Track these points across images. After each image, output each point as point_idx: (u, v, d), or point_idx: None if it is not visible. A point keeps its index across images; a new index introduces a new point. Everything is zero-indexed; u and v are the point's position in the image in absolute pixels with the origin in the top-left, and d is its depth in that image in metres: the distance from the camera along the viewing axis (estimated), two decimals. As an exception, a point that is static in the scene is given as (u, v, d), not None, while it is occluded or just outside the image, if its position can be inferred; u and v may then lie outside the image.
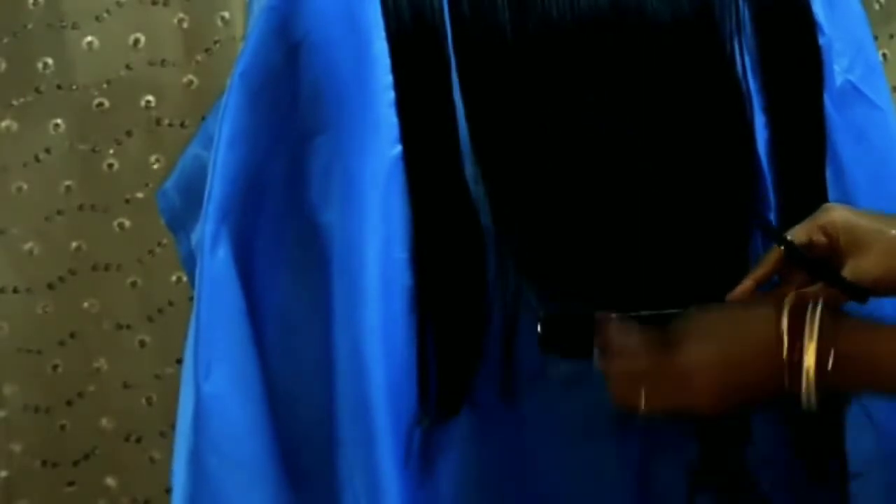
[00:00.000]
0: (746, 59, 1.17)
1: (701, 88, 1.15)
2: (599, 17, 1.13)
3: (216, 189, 1.17)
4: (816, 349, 1.01)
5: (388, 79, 1.13)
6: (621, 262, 1.15)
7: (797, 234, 1.11)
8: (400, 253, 1.14)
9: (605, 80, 1.14)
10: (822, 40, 1.20)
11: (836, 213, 1.11)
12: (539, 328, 1.09)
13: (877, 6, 2.11)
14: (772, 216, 1.19)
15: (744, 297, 1.13)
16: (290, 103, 1.16)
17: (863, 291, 1.11)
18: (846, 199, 1.21)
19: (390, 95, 1.13)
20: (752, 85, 1.17)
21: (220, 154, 1.17)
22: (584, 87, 1.14)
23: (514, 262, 1.14)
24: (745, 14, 1.17)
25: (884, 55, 2.11)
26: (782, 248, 1.11)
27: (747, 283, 1.13)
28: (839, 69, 1.22)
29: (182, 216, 1.39)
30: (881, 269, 1.10)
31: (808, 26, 1.20)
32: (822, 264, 1.11)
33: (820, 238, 1.11)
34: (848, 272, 1.10)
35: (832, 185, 1.21)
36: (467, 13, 1.13)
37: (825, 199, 1.20)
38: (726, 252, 1.18)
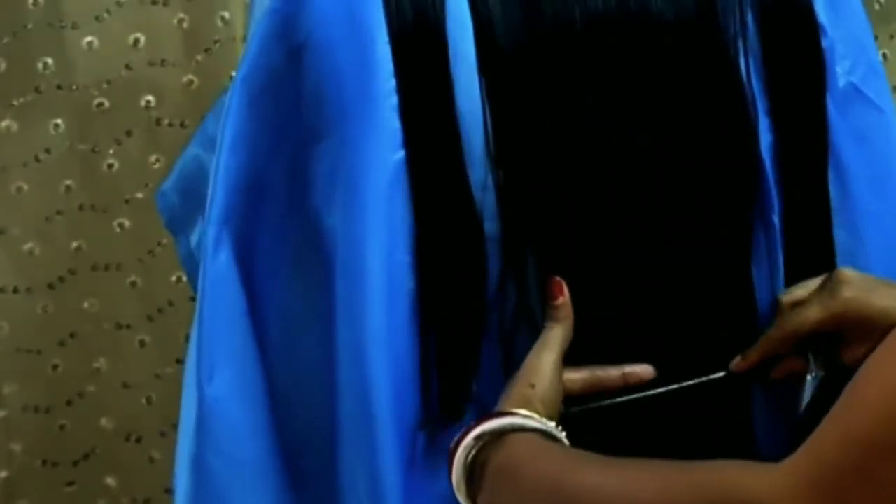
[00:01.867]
0: (750, 61, 1.17)
1: (704, 91, 1.15)
2: (606, 17, 1.13)
3: (218, 192, 1.17)
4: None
5: (391, 83, 1.12)
6: (625, 263, 1.15)
7: (809, 315, 1.13)
8: (403, 256, 1.13)
9: (608, 81, 1.14)
10: (824, 42, 1.20)
11: (848, 297, 1.12)
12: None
13: (877, 6, 2.11)
14: (775, 218, 1.19)
15: (748, 368, 1.16)
16: (292, 106, 1.15)
17: (845, 371, 1.11)
18: (847, 202, 1.21)
19: (393, 100, 1.12)
20: (756, 87, 1.17)
21: (222, 158, 1.17)
22: (586, 87, 1.13)
23: (532, 264, 1.14)
24: (749, 16, 1.17)
25: (884, 55, 2.12)
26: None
27: (752, 357, 1.16)
28: (841, 71, 1.22)
29: (181, 217, 1.39)
30: None
31: (812, 28, 1.19)
32: (822, 347, 1.15)
33: (831, 322, 1.13)
34: (849, 355, 1.13)
35: (833, 187, 1.21)
36: (485, 13, 1.12)
37: (828, 202, 1.20)
38: (729, 253, 1.18)
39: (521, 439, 1.06)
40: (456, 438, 1.08)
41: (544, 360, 1.11)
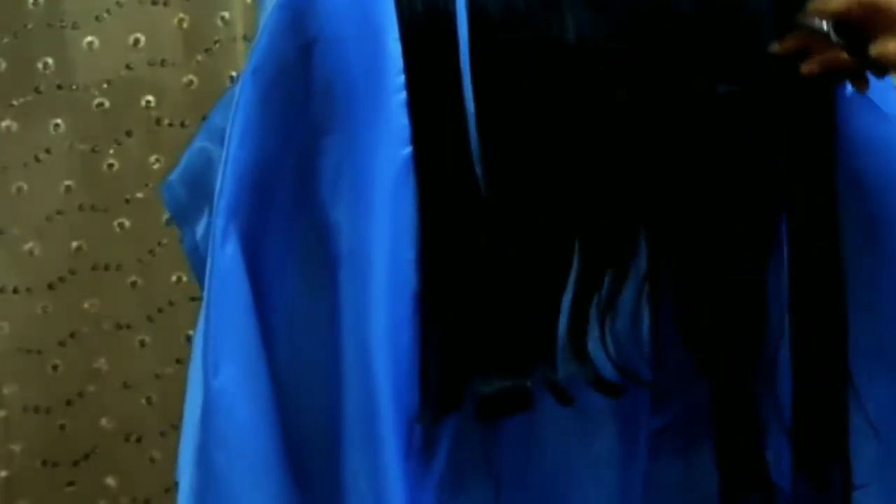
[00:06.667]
0: None
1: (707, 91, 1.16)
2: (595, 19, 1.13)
3: (227, 184, 1.17)
4: None
5: (400, 79, 1.12)
6: (630, 258, 1.16)
7: (836, 2, 1.11)
8: (408, 253, 1.14)
9: (613, 80, 1.14)
10: None
11: None
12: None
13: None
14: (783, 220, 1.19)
15: (786, 52, 1.15)
16: (302, 100, 1.15)
17: (882, 67, 1.11)
18: (855, 207, 1.21)
19: (402, 96, 1.12)
20: None
21: (231, 150, 1.17)
22: (590, 86, 1.14)
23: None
24: None
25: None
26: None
27: (789, 42, 1.14)
28: None
29: (187, 209, 1.38)
30: None
31: None
32: (847, 36, 1.12)
33: (858, 10, 1.10)
34: (875, 48, 1.10)
35: (841, 192, 1.21)
36: (486, 12, 1.13)
37: (835, 206, 1.20)
38: (748, 244, 1.19)
39: None
40: None
41: None
